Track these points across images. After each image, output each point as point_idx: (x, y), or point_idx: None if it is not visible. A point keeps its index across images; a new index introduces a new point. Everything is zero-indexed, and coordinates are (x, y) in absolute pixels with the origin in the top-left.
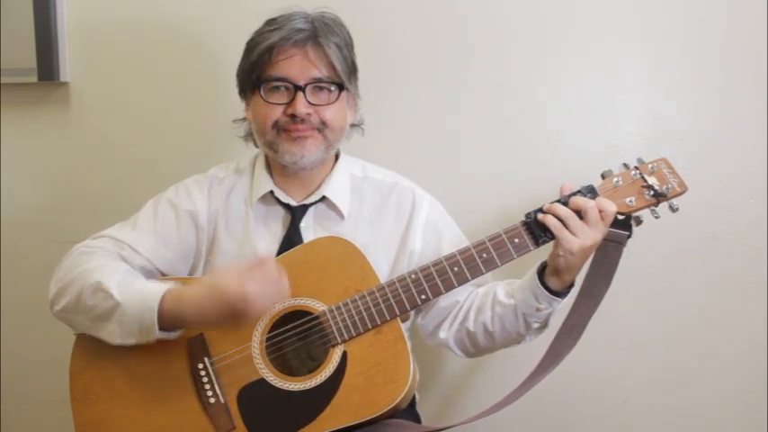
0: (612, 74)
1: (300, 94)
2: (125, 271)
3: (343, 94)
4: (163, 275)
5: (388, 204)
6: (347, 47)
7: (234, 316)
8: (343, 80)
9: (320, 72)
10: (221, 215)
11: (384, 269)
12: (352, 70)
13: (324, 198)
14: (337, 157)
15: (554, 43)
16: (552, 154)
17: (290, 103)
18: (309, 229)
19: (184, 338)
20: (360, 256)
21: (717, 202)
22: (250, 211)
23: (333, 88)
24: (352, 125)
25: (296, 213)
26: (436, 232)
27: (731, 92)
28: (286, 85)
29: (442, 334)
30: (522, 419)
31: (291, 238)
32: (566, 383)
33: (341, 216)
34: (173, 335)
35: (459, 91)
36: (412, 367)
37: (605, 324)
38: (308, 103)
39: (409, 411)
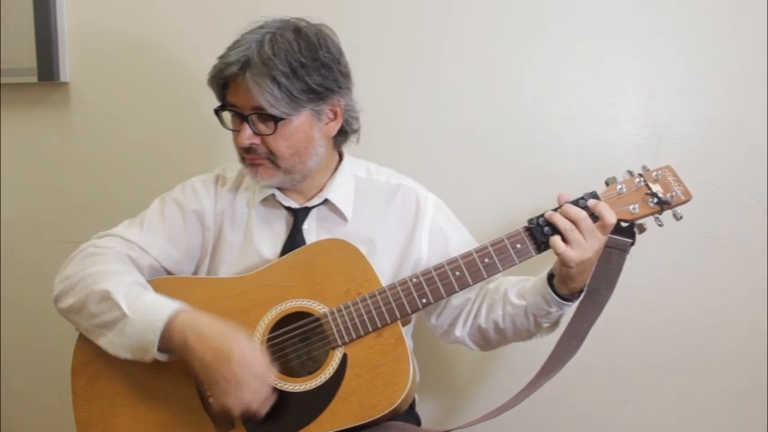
0: (612, 74)
1: (245, 124)
2: (133, 281)
3: (300, 116)
4: (168, 274)
5: (392, 206)
6: (293, 73)
7: (222, 356)
8: (273, 112)
9: (260, 102)
10: (227, 215)
11: (387, 272)
12: (309, 91)
13: (326, 200)
14: (341, 158)
15: (554, 43)
16: (552, 154)
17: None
18: (312, 231)
19: None
20: (362, 258)
21: (717, 202)
22: (253, 212)
23: (269, 119)
24: (341, 134)
25: (298, 216)
26: (443, 237)
27: (731, 92)
28: (238, 111)
29: (458, 332)
30: (521, 419)
31: (294, 240)
32: (565, 383)
33: (344, 218)
34: (169, 358)
35: (459, 91)
36: (412, 371)
37: (605, 323)
38: (254, 133)
39: (408, 412)
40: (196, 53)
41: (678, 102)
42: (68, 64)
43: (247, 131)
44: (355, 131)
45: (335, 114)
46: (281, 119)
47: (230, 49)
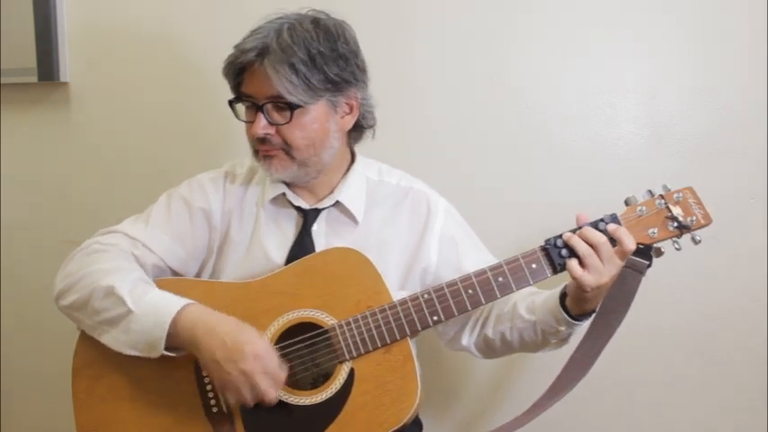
0: (612, 74)
1: (260, 114)
2: (137, 278)
3: (317, 106)
4: (174, 274)
5: (402, 211)
6: (311, 61)
7: (233, 352)
8: (291, 99)
9: (276, 90)
10: (235, 214)
11: (394, 279)
12: (327, 81)
13: (337, 202)
14: (354, 159)
15: (554, 43)
16: (551, 154)
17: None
18: (321, 233)
19: None
20: (373, 270)
21: (716, 202)
22: (262, 211)
23: (285, 108)
24: (357, 129)
25: (308, 217)
26: (453, 245)
27: (731, 91)
28: (252, 101)
29: (464, 341)
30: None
31: (303, 242)
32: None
33: (354, 221)
34: (176, 354)
35: (459, 91)
36: (419, 389)
37: None
38: (268, 123)
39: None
40: (197, 53)
41: (678, 102)
42: (68, 64)
43: (262, 121)
44: (371, 127)
45: (351, 108)
46: (298, 107)
47: (247, 37)
